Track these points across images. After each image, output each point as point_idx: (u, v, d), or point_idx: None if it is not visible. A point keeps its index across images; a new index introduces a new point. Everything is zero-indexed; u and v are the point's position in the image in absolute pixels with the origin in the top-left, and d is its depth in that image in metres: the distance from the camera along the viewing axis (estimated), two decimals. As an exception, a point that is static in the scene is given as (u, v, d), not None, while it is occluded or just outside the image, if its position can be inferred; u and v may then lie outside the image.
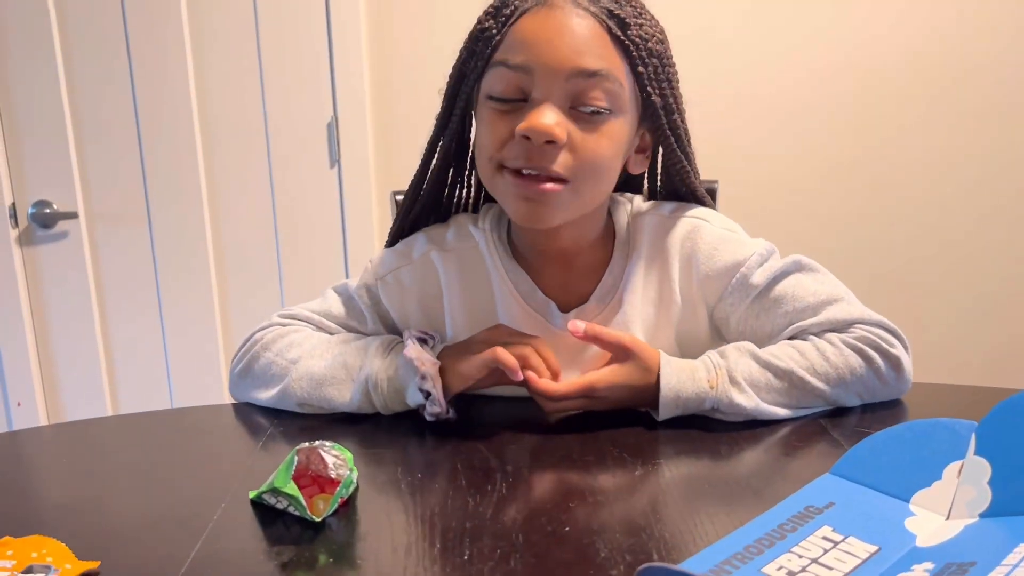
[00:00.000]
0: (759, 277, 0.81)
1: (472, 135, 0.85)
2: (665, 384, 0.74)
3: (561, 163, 0.72)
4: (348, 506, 0.61)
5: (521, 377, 0.73)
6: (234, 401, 0.87)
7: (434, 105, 0.84)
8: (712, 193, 1.05)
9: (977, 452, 0.53)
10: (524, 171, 0.73)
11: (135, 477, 0.68)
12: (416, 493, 0.63)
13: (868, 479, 0.57)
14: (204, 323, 1.83)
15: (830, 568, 0.47)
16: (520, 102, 0.74)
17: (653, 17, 0.78)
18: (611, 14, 0.73)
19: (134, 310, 1.83)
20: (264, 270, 1.82)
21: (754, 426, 0.74)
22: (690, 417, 0.76)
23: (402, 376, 0.77)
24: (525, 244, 0.85)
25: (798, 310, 0.80)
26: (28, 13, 1.67)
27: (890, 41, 1.73)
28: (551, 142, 0.71)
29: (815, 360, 0.76)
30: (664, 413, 0.75)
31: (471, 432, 0.75)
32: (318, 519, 0.58)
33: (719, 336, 0.86)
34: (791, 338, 0.80)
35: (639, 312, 0.83)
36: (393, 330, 0.87)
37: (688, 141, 0.84)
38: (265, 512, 0.60)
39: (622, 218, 0.86)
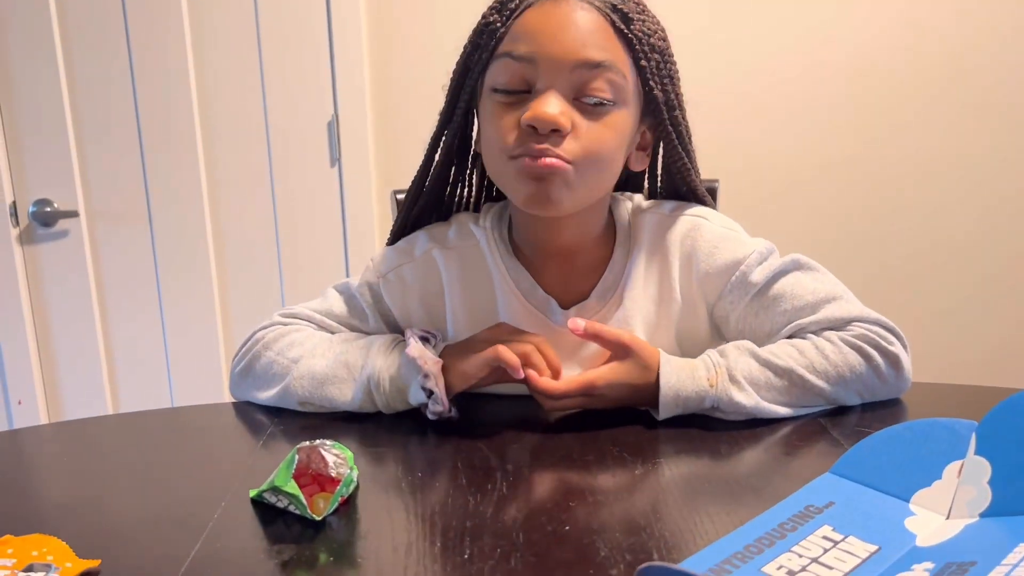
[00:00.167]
0: (758, 275, 0.81)
1: (474, 133, 0.85)
2: (665, 383, 0.74)
3: (566, 150, 0.72)
4: (349, 505, 0.61)
5: (522, 375, 0.74)
6: (234, 400, 0.87)
7: (435, 104, 0.84)
8: (712, 192, 1.05)
9: (977, 452, 0.53)
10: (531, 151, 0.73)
11: (136, 476, 0.68)
12: (417, 492, 0.63)
13: (868, 479, 0.57)
14: (204, 322, 1.83)
15: (830, 567, 0.47)
16: (524, 93, 0.74)
17: (655, 17, 0.79)
18: (615, 8, 0.74)
19: (135, 309, 1.83)
20: (264, 269, 1.82)
21: (754, 425, 0.75)
22: (690, 416, 0.76)
23: (404, 375, 0.77)
24: (526, 241, 0.85)
25: (797, 308, 0.80)
26: (29, 11, 1.67)
27: (890, 40, 1.73)
28: (556, 131, 0.71)
29: (814, 358, 0.76)
30: (664, 412, 0.75)
31: (472, 431, 0.75)
32: (319, 518, 0.58)
33: (719, 335, 0.87)
34: (790, 336, 0.80)
35: (640, 309, 0.83)
36: (395, 328, 0.88)
37: (689, 139, 0.84)
38: (265, 511, 0.60)
39: (623, 216, 0.86)
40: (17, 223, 1.76)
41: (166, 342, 1.85)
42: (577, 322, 0.76)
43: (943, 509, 0.53)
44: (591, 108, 0.74)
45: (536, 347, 0.76)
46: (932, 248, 1.83)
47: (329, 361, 0.80)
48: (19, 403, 1.83)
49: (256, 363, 0.84)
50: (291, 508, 0.59)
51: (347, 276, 0.90)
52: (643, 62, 0.76)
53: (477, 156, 0.88)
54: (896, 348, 0.78)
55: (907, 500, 0.55)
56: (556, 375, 0.77)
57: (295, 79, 1.74)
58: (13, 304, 1.78)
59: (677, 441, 0.72)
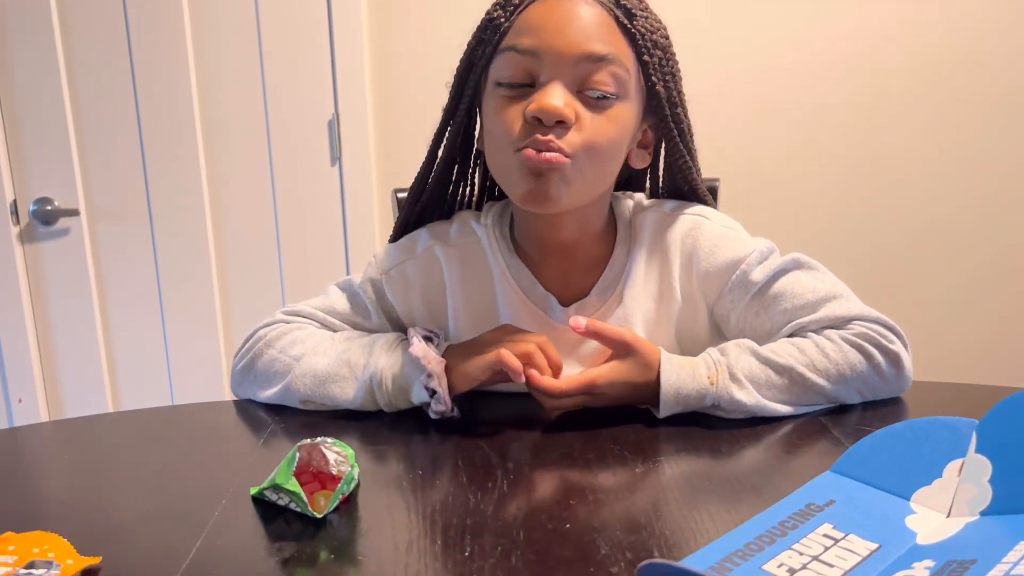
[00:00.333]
0: (758, 274, 0.81)
1: (476, 131, 0.85)
2: (666, 381, 0.75)
3: (568, 142, 0.72)
4: (349, 502, 0.61)
5: (523, 379, 0.74)
6: (235, 398, 0.87)
7: (436, 103, 0.84)
8: (713, 192, 1.05)
9: (978, 450, 0.53)
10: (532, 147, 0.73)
11: (136, 473, 0.68)
12: (417, 490, 0.63)
13: (869, 477, 0.57)
14: (205, 320, 1.83)
15: (831, 565, 0.47)
16: (528, 87, 0.74)
17: (657, 16, 0.80)
18: (618, 3, 0.75)
19: (135, 307, 1.83)
20: (265, 267, 1.82)
21: (755, 424, 0.75)
22: (691, 415, 0.76)
23: (407, 374, 0.77)
24: (527, 238, 0.85)
25: (797, 307, 0.80)
26: (30, 10, 1.67)
27: (891, 39, 1.73)
28: (561, 122, 0.72)
29: (815, 357, 0.76)
30: (665, 410, 0.75)
31: (472, 429, 0.75)
32: (319, 515, 0.58)
33: (719, 334, 0.87)
34: (791, 335, 0.80)
35: (640, 307, 0.83)
36: (397, 325, 0.88)
37: (691, 137, 0.85)
38: (266, 508, 0.60)
39: (624, 214, 0.86)
40: (18, 221, 1.76)
41: (166, 340, 1.85)
42: (578, 320, 0.76)
43: (944, 507, 0.53)
44: (594, 101, 0.74)
45: (538, 347, 0.76)
46: (932, 247, 1.83)
47: (331, 359, 0.80)
48: (19, 401, 1.83)
49: (258, 361, 0.84)
50: (292, 506, 0.59)
51: (348, 274, 0.90)
52: (646, 57, 0.76)
53: (479, 154, 0.88)
54: (896, 347, 0.78)
55: (908, 498, 0.55)
56: (556, 373, 0.77)
57: (296, 78, 1.74)
58: (14, 302, 1.78)
59: (678, 439, 0.72)
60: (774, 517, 0.53)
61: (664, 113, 0.80)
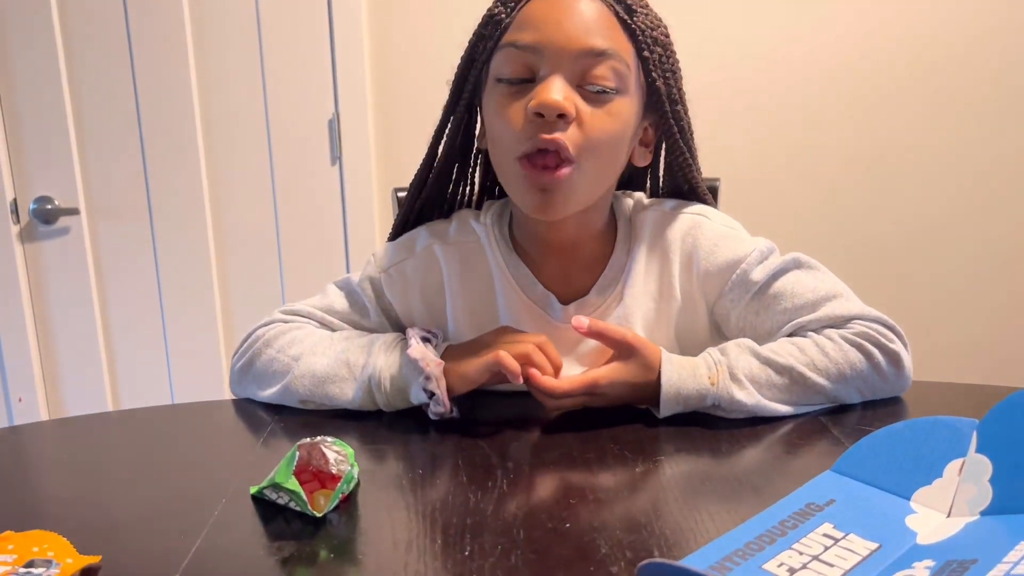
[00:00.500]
0: (758, 274, 0.81)
1: (477, 130, 0.85)
2: (666, 381, 0.74)
3: (570, 137, 0.72)
4: (349, 502, 0.61)
5: (522, 381, 0.74)
6: (235, 397, 0.87)
7: (436, 102, 0.84)
8: (714, 191, 1.05)
9: (978, 450, 0.53)
10: (536, 154, 0.73)
11: (136, 472, 0.68)
12: (417, 489, 0.63)
13: (869, 477, 0.57)
14: (205, 319, 1.83)
15: (831, 565, 0.47)
16: (528, 82, 0.74)
17: (657, 15, 0.80)
18: None
19: (135, 306, 1.83)
20: (265, 267, 1.82)
21: (755, 423, 0.75)
22: (691, 414, 0.76)
23: (406, 375, 0.77)
24: (527, 237, 0.85)
25: (797, 307, 0.80)
26: (30, 9, 1.67)
27: (892, 39, 1.73)
28: (561, 116, 0.72)
29: (815, 356, 0.76)
30: (665, 410, 0.75)
31: (472, 428, 0.75)
32: (319, 515, 0.58)
33: (719, 333, 0.87)
34: (791, 335, 0.80)
35: (639, 306, 0.83)
36: (396, 323, 0.88)
37: (691, 134, 0.85)
38: (266, 507, 0.60)
39: (624, 212, 0.86)
40: (18, 220, 1.76)
41: (166, 339, 1.85)
42: (581, 320, 0.76)
43: (944, 507, 0.53)
44: (594, 96, 0.74)
45: (537, 346, 0.76)
46: (932, 247, 1.83)
47: (330, 359, 0.80)
48: (19, 400, 1.83)
49: (257, 360, 0.84)
50: (292, 505, 0.59)
51: (348, 274, 0.90)
52: (646, 53, 0.76)
53: (479, 153, 0.88)
54: (897, 346, 0.78)
55: (908, 498, 0.55)
56: (556, 372, 0.77)
57: (296, 77, 1.73)
58: (14, 301, 1.78)
59: (678, 439, 0.72)
60: (774, 517, 0.53)
61: (664, 110, 0.80)
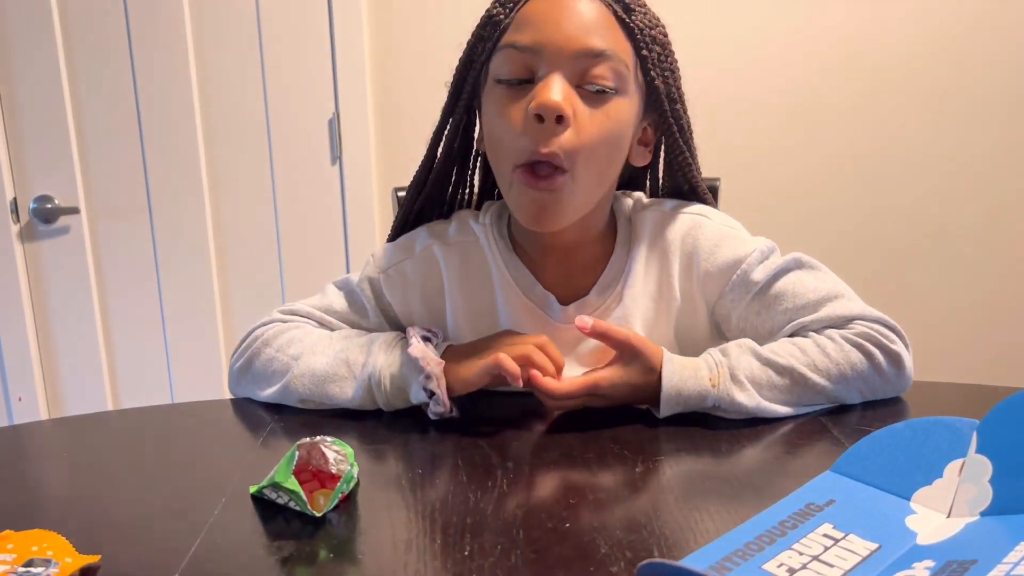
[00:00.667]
0: (759, 274, 0.81)
1: (476, 131, 0.85)
2: (667, 382, 0.74)
3: (567, 141, 0.72)
4: (349, 501, 0.61)
5: (522, 384, 0.74)
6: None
7: (437, 102, 0.84)
8: (714, 191, 1.05)
9: (978, 450, 0.53)
10: (534, 164, 0.73)
11: (136, 471, 0.68)
12: (417, 489, 0.63)
13: (869, 477, 0.57)
14: (205, 318, 1.83)
15: (831, 565, 0.47)
16: (527, 82, 0.74)
17: (655, 14, 0.80)
18: None
19: (135, 306, 1.83)
20: (265, 266, 1.82)
21: (755, 424, 0.74)
22: (691, 414, 0.76)
23: (406, 374, 0.77)
24: (526, 238, 0.85)
25: (798, 307, 0.80)
26: (30, 7, 1.67)
27: (893, 38, 1.73)
28: (560, 119, 0.72)
29: (816, 357, 0.76)
30: (665, 410, 0.75)
31: (472, 428, 0.75)
32: (318, 514, 0.58)
33: (719, 333, 0.87)
34: (792, 335, 0.80)
35: (639, 307, 0.83)
36: (395, 324, 0.88)
37: (690, 134, 0.84)
38: (266, 507, 0.60)
39: (624, 212, 0.86)
40: (18, 219, 1.76)
41: (166, 339, 1.85)
42: (584, 320, 0.76)
43: (944, 507, 0.53)
44: (593, 96, 0.74)
45: (538, 347, 0.76)
46: (933, 247, 1.83)
47: (329, 358, 0.80)
48: (19, 399, 1.83)
49: (256, 360, 0.84)
50: (291, 504, 0.59)
51: (348, 273, 0.90)
52: (644, 52, 0.76)
53: (478, 154, 0.88)
54: (898, 346, 0.78)
55: (908, 498, 0.55)
56: (559, 372, 0.77)
57: (296, 76, 1.73)
58: (13, 301, 1.78)
59: (678, 439, 0.72)
60: (774, 517, 0.53)
61: (663, 109, 0.80)
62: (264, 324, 0.87)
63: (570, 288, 0.84)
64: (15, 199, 1.75)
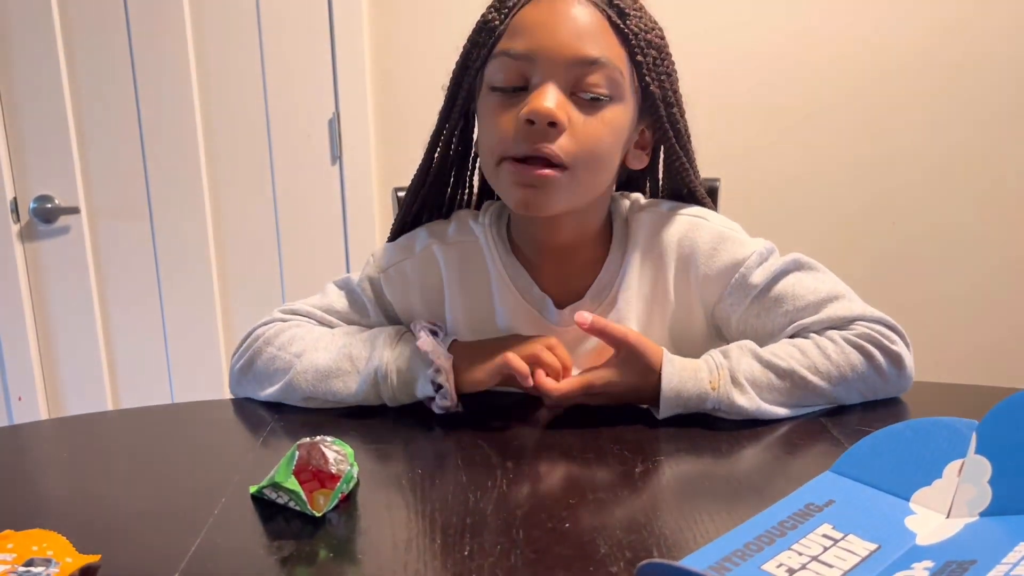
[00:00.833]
0: (758, 277, 0.81)
1: (475, 133, 0.85)
2: (667, 383, 0.74)
3: (561, 146, 0.72)
4: (348, 501, 0.61)
5: (531, 383, 0.74)
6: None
7: (436, 102, 0.84)
8: (714, 191, 1.05)
9: (978, 451, 0.53)
10: (525, 158, 0.73)
11: (136, 471, 0.68)
12: (417, 488, 0.63)
13: (868, 477, 0.57)
14: (205, 318, 1.83)
15: (830, 566, 0.47)
16: (521, 90, 0.74)
17: (652, 17, 0.79)
18: (611, 3, 0.75)
19: (135, 305, 1.83)
20: (265, 266, 1.82)
21: (755, 424, 0.74)
22: (691, 415, 0.76)
23: (413, 368, 0.77)
24: (524, 239, 0.85)
25: (799, 309, 0.80)
26: (30, 7, 1.67)
27: (892, 39, 1.73)
28: (553, 124, 0.71)
29: (816, 358, 0.76)
30: (664, 411, 0.75)
31: (472, 428, 0.75)
32: (318, 514, 0.58)
33: (718, 334, 0.86)
34: (793, 336, 0.80)
35: (633, 309, 0.83)
36: (395, 323, 0.88)
37: (688, 139, 0.84)
38: (265, 507, 0.60)
39: (621, 214, 0.86)
40: (18, 219, 1.76)
41: (166, 338, 1.85)
42: (584, 315, 0.76)
43: (943, 508, 0.53)
44: (587, 103, 0.74)
45: (546, 348, 0.76)
46: (933, 247, 1.83)
47: (332, 354, 0.80)
48: (19, 399, 1.83)
49: (257, 359, 0.84)
50: (291, 504, 0.59)
51: (348, 273, 0.90)
52: (639, 57, 0.76)
53: (477, 157, 0.88)
54: (898, 347, 0.78)
55: (907, 499, 0.55)
56: (566, 373, 0.77)
57: (296, 76, 1.73)
58: (14, 300, 1.78)
59: (678, 439, 0.72)
60: (774, 517, 0.53)
61: (659, 114, 0.79)
62: (265, 324, 0.87)
63: (566, 291, 0.84)
64: (15, 199, 1.75)
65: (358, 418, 0.79)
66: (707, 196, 0.88)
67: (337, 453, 0.61)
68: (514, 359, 0.73)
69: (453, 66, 0.81)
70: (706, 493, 0.61)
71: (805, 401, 0.77)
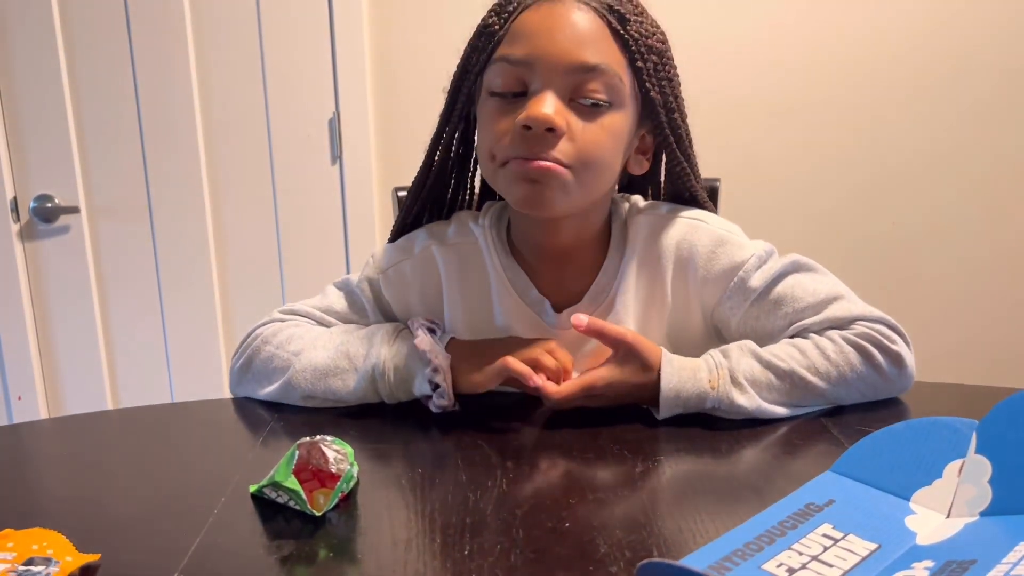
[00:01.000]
0: (758, 280, 0.80)
1: (476, 136, 0.85)
2: (666, 383, 0.74)
3: (561, 151, 0.72)
4: (348, 501, 0.61)
5: (533, 384, 0.74)
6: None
7: (436, 102, 0.84)
8: (714, 191, 1.05)
9: (978, 450, 0.53)
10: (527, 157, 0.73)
11: (136, 471, 0.68)
12: (417, 488, 0.63)
13: (869, 477, 0.57)
14: (205, 318, 1.83)
15: (830, 565, 0.47)
16: (521, 95, 0.74)
17: (654, 20, 0.79)
18: (611, 9, 0.74)
19: (135, 305, 1.83)
20: (265, 266, 1.82)
21: (755, 424, 0.74)
22: (691, 414, 0.76)
23: (410, 365, 0.77)
24: (524, 241, 0.85)
25: (799, 310, 0.80)
26: (31, 7, 1.67)
27: (891, 39, 1.73)
28: (551, 130, 0.71)
29: (816, 359, 0.76)
30: (664, 411, 0.75)
31: (472, 428, 0.75)
32: (318, 513, 0.58)
33: (718, 336, 0.86)
34: (793, 336, 0.80)
35: (631, 312, 0.83)
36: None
37: (690, 143, 0.84)
38: (265, 506, 0.60)
39: (620, 217, 0.86)
40: (18, 219, 1.76)
41: (166, 338, 1.85)
42: (580, 318, 0.76)
43: (943, 508, 0.53)
44: (587, 109, 0.73)
45: (546, 351, 0.76)
46: (933, 247, 1.83)
47: (330, 352, 0.80)
48: (19, 399, 1.83)
49: (256, 358, 0.84)
50: (291, 504, 0.59)
51: (347, 273, 0.90)
52: (639, 63, 0.75)
53: (477, 160, 0.88)
54: (899, 346, 0.78)
55: (907, 498, 0.55)
56: (566, 376, 0.77)
57: (296, 76, 1.73)
58: (13, 300, 1.78)
59: (677, 439, 0.72)
60: (774, 517, 0.53)
61: (660, 119, 0.79)
62: (264, 324, 0.87)
63: (565, 293, 0.84)
64: (15, 198, 1.75)
65: (358, 418, 0.79)
66: (708, 199, 0.88)
67: (337, 452, 0.61)
68: (513, 362, 0.74)
69: (453, 68, 0.81)
70: (706, 493, 0.61)
71: (805, 401, 0.77)
